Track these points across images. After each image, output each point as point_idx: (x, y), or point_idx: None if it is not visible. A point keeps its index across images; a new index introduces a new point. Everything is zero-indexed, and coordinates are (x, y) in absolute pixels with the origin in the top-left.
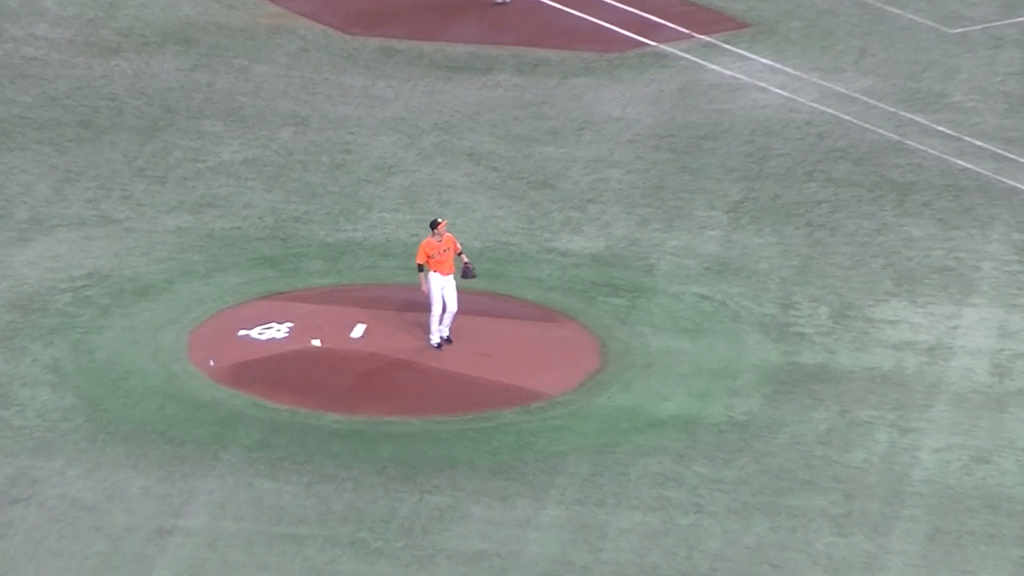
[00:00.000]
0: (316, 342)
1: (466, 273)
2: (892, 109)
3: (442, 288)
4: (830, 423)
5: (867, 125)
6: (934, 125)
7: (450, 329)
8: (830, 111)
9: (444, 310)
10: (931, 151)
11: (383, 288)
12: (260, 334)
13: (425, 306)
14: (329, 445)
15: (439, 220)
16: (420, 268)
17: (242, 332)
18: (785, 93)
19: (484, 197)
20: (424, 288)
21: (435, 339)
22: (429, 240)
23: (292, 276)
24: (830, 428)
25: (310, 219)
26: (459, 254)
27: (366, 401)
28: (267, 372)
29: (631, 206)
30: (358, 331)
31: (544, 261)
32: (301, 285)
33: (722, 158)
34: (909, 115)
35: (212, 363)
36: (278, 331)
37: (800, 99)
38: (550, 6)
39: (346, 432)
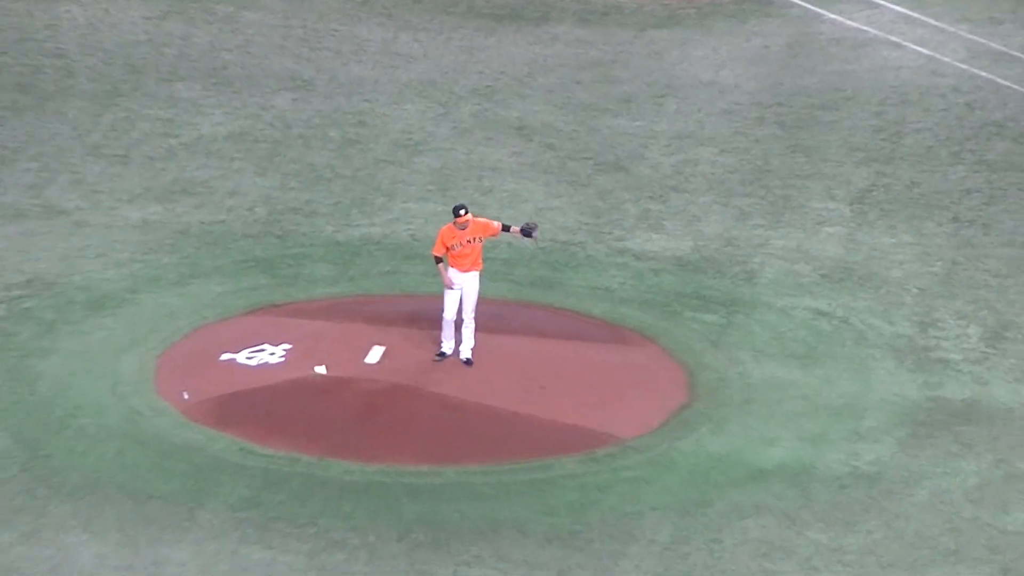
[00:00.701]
0: (320, 369)
1: (527, 231)
2: None
3: (459, 290)
4: (982, 476)
5: None
6: None
7: (472, 348)
8: (983, 74)
9: (459, 317)
10: None
11: (407, 300)
12: (249, 359)
13: (457, 326)
14: (338, 503)
15: (462, 210)
16: (438, 260)
17: (225, 356)
18: (925, 51)
19: (537, 184)
20: (447, 282)
21: (446, 347)
22: (450, 227)
23: (290, 284)
24: (982, 482)
25: (314, 211)
26: (507, 229)
27: (385, 445)
28: (257, 408)
29: (726, 195)
30: (375, 355)
31: (615, 266)
32: (302, 296)
33: (844, 134)
34: None
35: (186, 396)
36: (272, 355)
37: (944, 58)
38: None
39: (360, 486)
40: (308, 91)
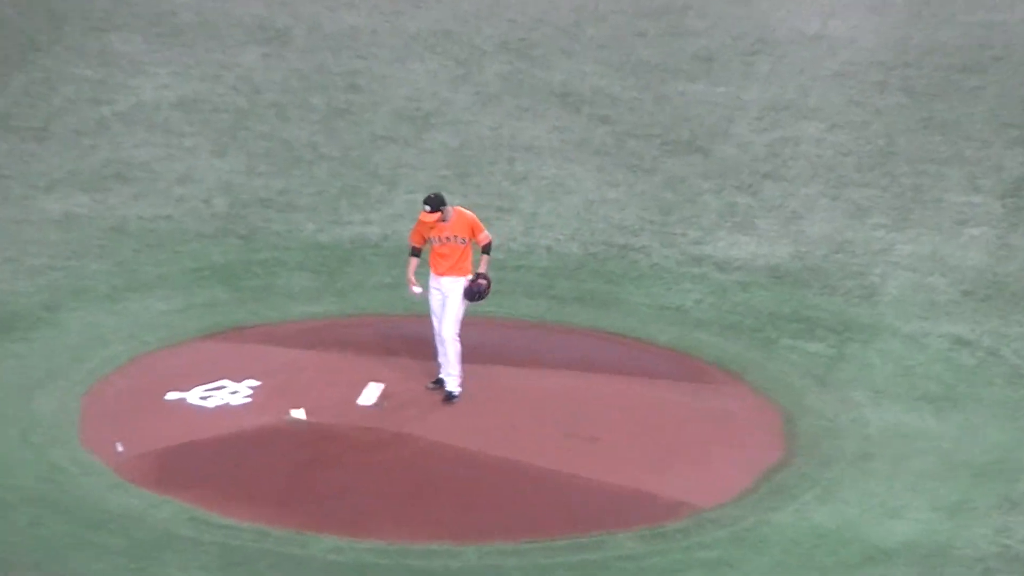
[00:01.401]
0: (298, 413)
1: (471, 293)
2: None
3: (439, 294)
4: None
5: None
6: None
7: (459, 379)
8: None
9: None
10: None
11: (413, 322)
12: (203, 399)
13: (479, 355)
14: None
15: (427, 205)
16: (413, 252)
17: (173, 395)
18: None
19: (587, 169)
20: (412, 288)
21: (442, 372)
22: (435, 221)
23: (259, 300)
24: None
25: (290, 203)
26: (484, 249)
27: (384, 515)
28: (214, 464)
29: (838, 185)
30: (370, 395)
31: (689, 278)
32: (274, 316)
33: (991, 105)
34: None
35: (120, 448)
36: (234, 394)
37: None
38: None
39: (352, 568)
40: (283, 45)
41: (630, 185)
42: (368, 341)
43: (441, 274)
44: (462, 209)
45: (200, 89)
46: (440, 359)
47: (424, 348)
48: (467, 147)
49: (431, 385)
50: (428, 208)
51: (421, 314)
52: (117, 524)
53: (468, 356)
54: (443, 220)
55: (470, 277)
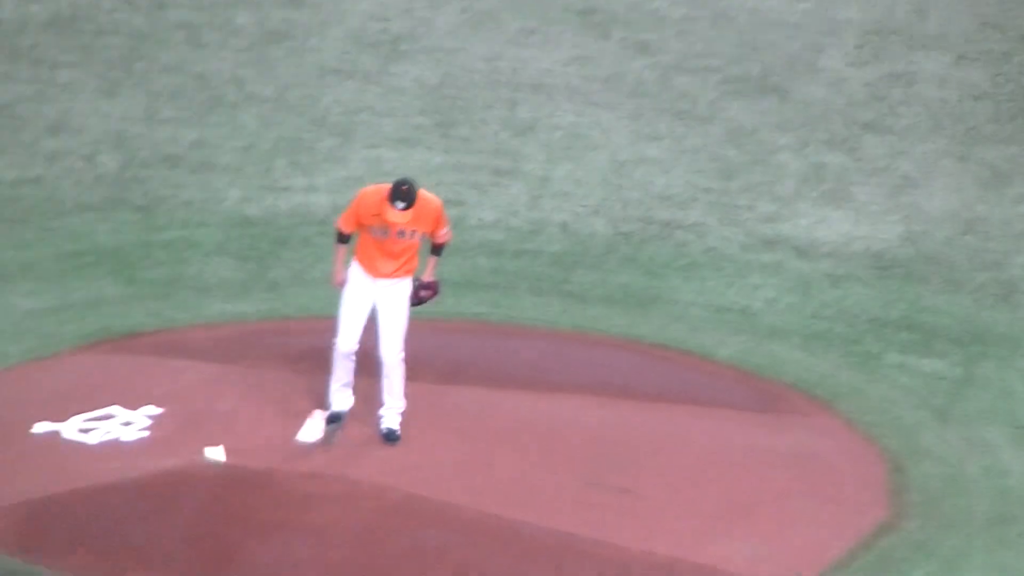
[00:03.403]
0: (215, 453)
1: (417, 297)
2: None
3: (371, 300)
4: None
5: None
6: None
7: (401, 413)
8: None
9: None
10: None
11: (372, 328)
12: (85, 432)
13: (468, 375)
14: None
15: (401, 201)
16: (341, 238)
17: (43, 427)
18: None
19: (618, 116)
20: (338, 277)
21: (337, 402)
22: (379, 195)
23: (161, 296)
24: None
25: (206, 161)
26: (435, 248)
27: None
28: (101, 523)
29: (968, 141)
30: (314, 428)
31: (759, 268)
32: (183, 318)
33: None
34: None
35: None
36: (127, 426)
37: None
38: None
39: None
40: None
41: (677, 139)
42: (311, 354)
43: (384, 276)
44: (425, 192)
45: (81, 4)
46: (339, 385)
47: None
48: (451, 85)
49: (329, 427)
50: (402, 205)
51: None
52: None
53: (453, 377)
54: (403, 209)
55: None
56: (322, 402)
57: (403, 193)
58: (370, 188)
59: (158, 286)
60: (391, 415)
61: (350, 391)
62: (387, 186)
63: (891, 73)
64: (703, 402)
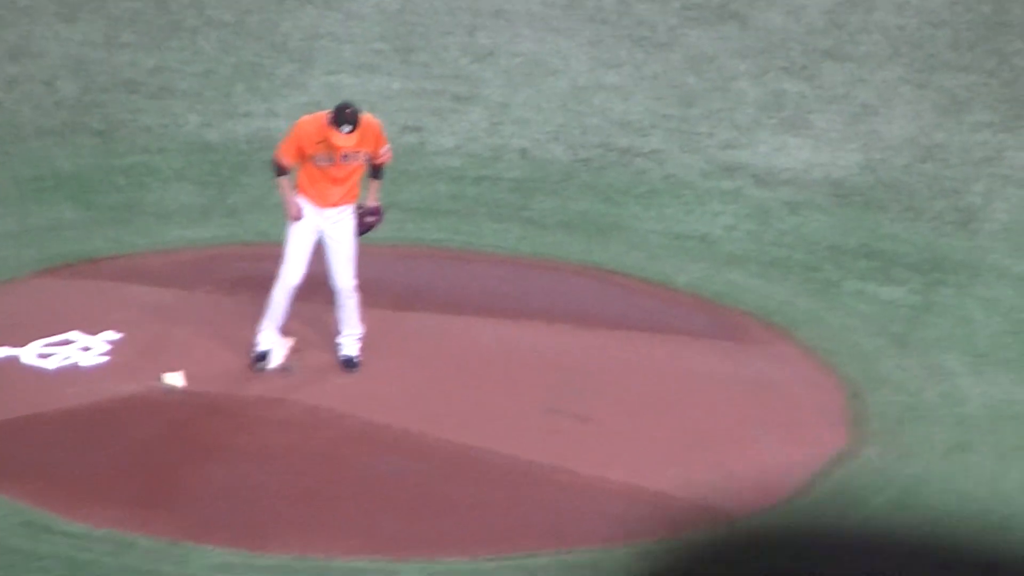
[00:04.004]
0: (174, 379)
1: (364, 224)
2: None
3: (317, 232)
4: None
5: None
6: None
7: (360, 339)
8: None
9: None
10: None
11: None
12: (43, 357)
13: (426, 302)
14: None
15: (348, 124)
16: (279, 171)
17: (1, 352)
18: None
19: (577, 43)
20: (291, 209)
21: (264, 341)
22: (319, 122)
23: (121, 222)
24: None
25: (165, 86)
26: (375, 170)
27: (294, 521)
28: (59, 450)
29: (926, 68)
30: (274, 354)
31: (718, 195)
32: (142, 243)
33: None
34: None
35: None
36: (86, 351)
37: None
38: None
39: None
40: None
41: (637, 65)
42: (271, 280)
43: (332, 204)
44: (367, 114)
45: None
46: (270, 323)
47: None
48: (411, 10)
49: (257, 366)
50: (348, 128)
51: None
52: None
53: (412, 303)
54: (348, 134)
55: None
56: (283, 326)
57: (348, 116)
58: (306, 117)
59: (117, 211)
60: (349, 342)
61: (275, 330)
62: (323, 113)
63: (850, 0)
64: (662, 329)
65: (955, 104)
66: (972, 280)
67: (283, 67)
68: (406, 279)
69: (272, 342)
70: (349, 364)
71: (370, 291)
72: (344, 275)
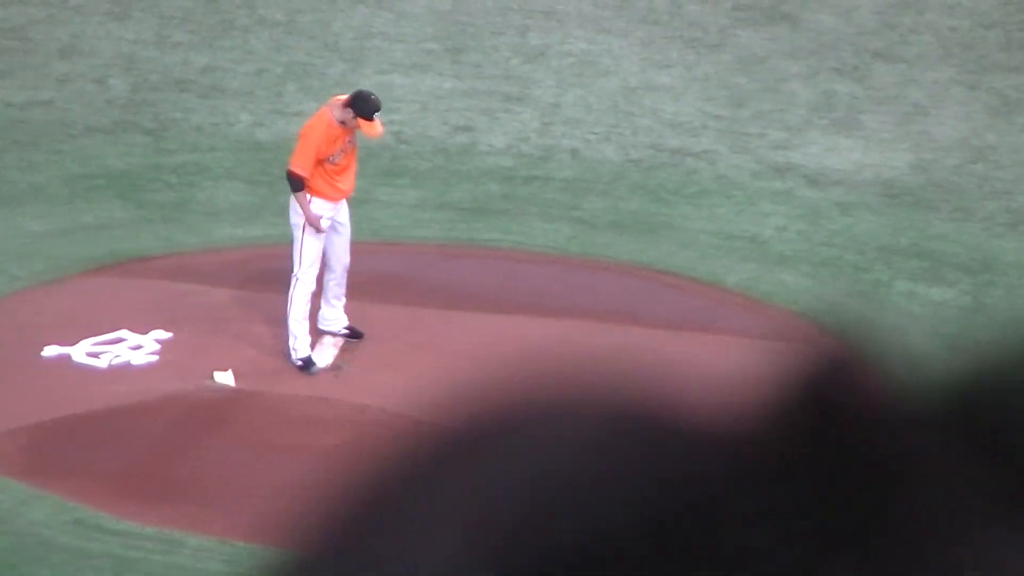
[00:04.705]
0: (224, 377)
1: None
2: None
3: (331, 226)
4: None
5: None
6: None
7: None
8: None
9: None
10: None
11: (384, 252)
12: (93, 356)
13: (475, 301)
14: None
15: (375, 96)
16: (299, 183)
17: (51, 350)
18: None
19: (628, 43)
20: (314, 219)
21: (305, 353)
22: (330, 121)
23: (171, 219)
24: None
25: (216, 84)
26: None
27: None
28: (109, 447)
29: (978, 68)
30: (324, 353)
31: (768, 195)
32: (192, 242)
33: None
34: None
35: None
36: (136, 350)
37: None
38: None
39: None
40: None
41: (688, 66)
42: (321, 279)
43: (347, 193)
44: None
45: None
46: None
47: (399, 288)
48: (462, 10)
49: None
50: (379, 115)
51: (395, 242)
52: None
53: (461, 302)
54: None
55: None
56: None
57: (376, 103)
58: (312, 123)
59: (168, 210)
60: (338, 312)
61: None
62: (323, 112)
63: (901, 1)
64: (711, 329)
65: (1006, 105)
66: (1023, 281)
67: (334, 66)
68: (456, 279)
69: (311, 345)
70: (359, 333)
71: (420, 291)
72: (342, 265)
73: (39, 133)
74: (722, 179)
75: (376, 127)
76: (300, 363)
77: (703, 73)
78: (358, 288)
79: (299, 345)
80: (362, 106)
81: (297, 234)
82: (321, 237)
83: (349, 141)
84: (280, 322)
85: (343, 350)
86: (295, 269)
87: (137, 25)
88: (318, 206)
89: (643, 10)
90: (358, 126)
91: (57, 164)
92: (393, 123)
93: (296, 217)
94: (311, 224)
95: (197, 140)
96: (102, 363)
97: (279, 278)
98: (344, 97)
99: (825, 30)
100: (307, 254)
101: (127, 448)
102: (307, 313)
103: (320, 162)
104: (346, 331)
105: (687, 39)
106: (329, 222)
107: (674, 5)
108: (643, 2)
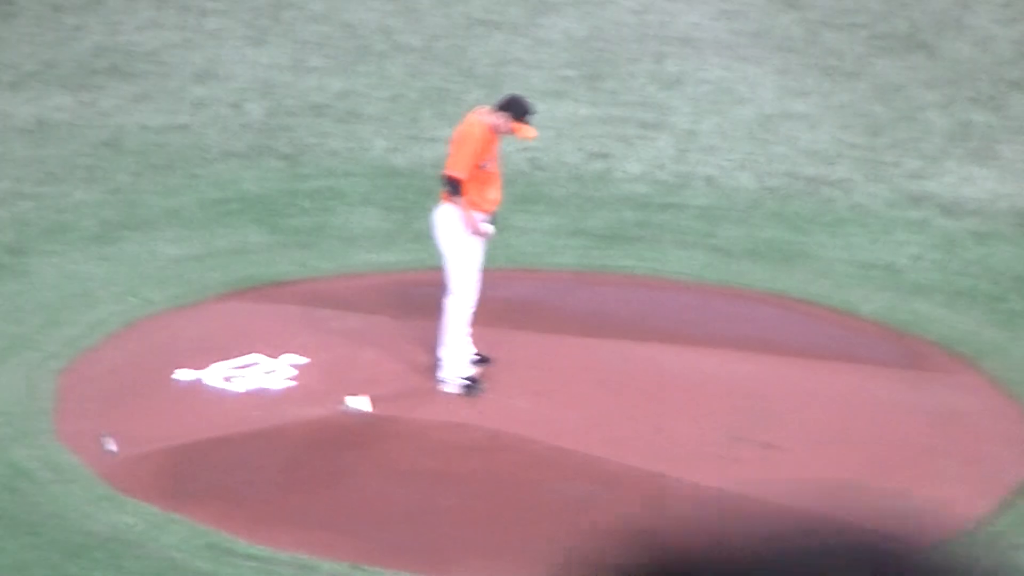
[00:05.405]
0: (360, 403)
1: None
2: None
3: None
4: None
5: None
6: None
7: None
8: None
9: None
10: None
11: (521, 278)
12: (228, 380)
13: (611, 328)
14: None
15: (526, 97)
16: (456, 188)
17: (185, 374)
18: None
19: (765, 70)
20: (476, 226)
21: (467, 372)
22: (487, 126)
23: (306, 244)
24: None
25: (353, 110)
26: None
27: (481, 548)
28: (243, 471)
29: None
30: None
31: (905, 224)
32: (328, 267)
33: None
34: None
35: (112, 446)
36: (270, 374)
37: None
38: None
39: None
40: None
41: (825, 94)
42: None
43: (496, 204)
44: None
45: None
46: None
47: (535, 315)
48: (599, 37)
49: (469, 385)
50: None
51: (532, 268)
52: (105, 551)
53: (597, 329)
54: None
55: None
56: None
57: (531, 105)
58: (466, 127)
59: (303, 235)
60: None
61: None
62: (479, 117)
63: None
64: (847, 358)
65: None
66: None
67: (471, 92)
68: (591, 305)
69: (450, 374)
70: (486, 359)
71: (555, 317)
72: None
73: (175, 157)
74: (858, 208)
75: (530, 130)
76: (464, 383)
77: (839, 101)
78: (494, 314)
79: (460, 365)
80: (517, 108)
81: (450, 252)
82: (475, 250)
83: (496, 150)
84: (417, 346)
85: (479, 378)
86: (452, 288)
87: (273, 50)
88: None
89: (780, 38)
90: (512, 130)
91: (193, 188)
92: (529, 149)
93: (447, 235)
94: (473, 230)
95: (333, 165)
96: (236, 387)
97: (415, 303)
98: (487, 108)
99: (962, 59)
100: (463, 270)
101: (260, 472)
102: (464, 334)
103: (476, 168)
104: (476, 357)
105: (824, 67)
106: (491, 229)
107: (811, 33)
108: (780, 30)
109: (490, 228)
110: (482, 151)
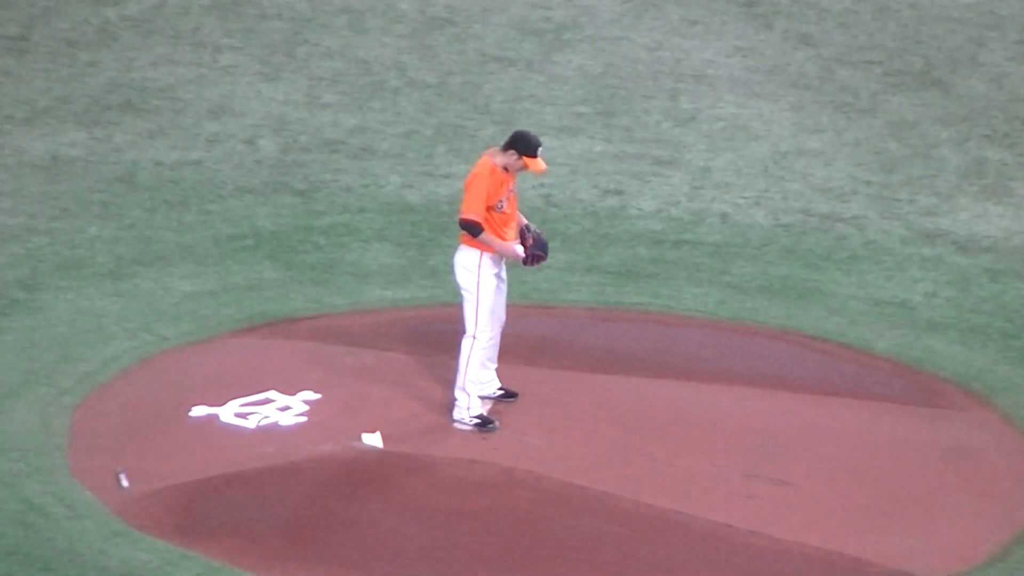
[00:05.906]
0: (372, 439)
1: (535, 255)
2: None
3: (496, 285)
4: None
5: None
6: None
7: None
8: None
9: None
10: None
11: (537, 315)
12: (241, 416)
13: (624, 364)
14: None
15: (534, 134)
16: (477, 229)
17: (199, 410)
18: None
19: (780, 107)
20: (512, 251)
21: (478, 411)
22: (494, 168)
23: (320, 281)
24: None
25: (367, 146)
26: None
27: None
28: (257, 508)
29: None
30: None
31: (919, 261)
32: (341, 304)
33: None
34: None
35: (125, 482)
36: (284, 411)
37: None
38: None
39: None
40: None
41: (839, 131)
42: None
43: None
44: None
45: None
46: (490, 362)
47: (548, 351)
48: (613, 74)
49: (483, 425)
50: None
51: (549, 305)
52: None
53: (611, 366)
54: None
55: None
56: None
57: (538, 140)
58: (476, 170)
59: (317, 271)
60: (492, 375)
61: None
62: (485, 160)
63: None
64: (860, 395)
65: None
66: None
67: (485, 129)
68: (605, 342)
69: (465, 411)
70: (512, 394)
71: (569, 354)
72: (504, 310)
73: (189, 193)
74: (872, 244)
75: (541, 163)
76: (477, 422)
77: (854, 138)
78: (508, 351)
79: (473, 404)
80: (524, 145)
81: (471, 294)
82: (493, 289)
83: (512, 189)
84: (431, 382)
85: (491, 411)
86: (471, 329)
87: (287, 86)
88: (487, 260)
89: (794, 75)
90: (524, 166)
91: (206, 224)
92: (543, 186)
93: (468, 277)
94: (508, 255)
95: (347, 201)
96: (250, 424)
97: (428, 339)
98: (496, 148)
99: (976, 96)
100: (483, 312)
101: (274, 509)
102: (480, 372)
103: (489, 210)
104: (500, 392)
105: (838, 104)
106: (524, 251)
107: (825, 70)
108: (794, 67)
109: (520, 249)
110: (494, 191)
